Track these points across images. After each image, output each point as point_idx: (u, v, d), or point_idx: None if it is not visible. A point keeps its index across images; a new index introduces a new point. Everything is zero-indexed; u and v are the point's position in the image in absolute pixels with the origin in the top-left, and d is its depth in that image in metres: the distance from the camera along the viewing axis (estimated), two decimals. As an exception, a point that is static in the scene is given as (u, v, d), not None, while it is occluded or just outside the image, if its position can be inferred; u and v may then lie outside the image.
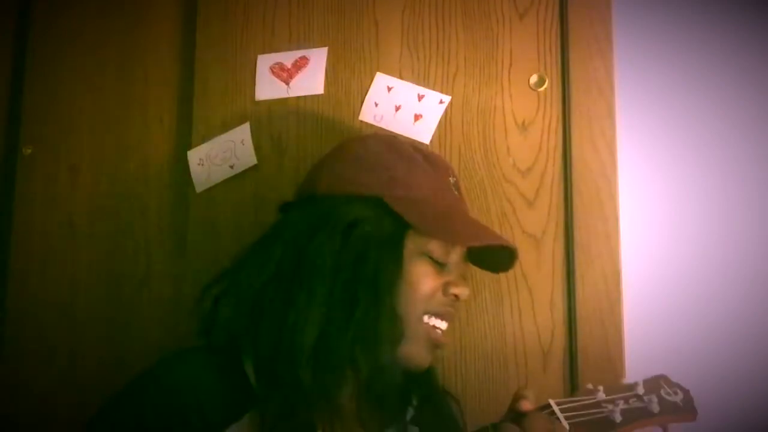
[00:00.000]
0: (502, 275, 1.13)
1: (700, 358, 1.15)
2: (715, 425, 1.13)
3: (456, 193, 0.96)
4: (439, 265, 0.89)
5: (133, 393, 0.82)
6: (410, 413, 0.94)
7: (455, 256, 0.91)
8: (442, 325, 0.89)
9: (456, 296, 0.90)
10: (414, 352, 0.87)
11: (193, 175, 1.26)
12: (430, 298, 0.88)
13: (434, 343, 0.89)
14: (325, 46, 1.24)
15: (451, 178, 0.96)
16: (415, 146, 0.98)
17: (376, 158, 0.92)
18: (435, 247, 0.89)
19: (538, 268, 1.13)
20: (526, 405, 0.76)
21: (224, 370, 0.83)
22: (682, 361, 1.12)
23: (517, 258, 0.95)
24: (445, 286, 0.89)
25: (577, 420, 0.75)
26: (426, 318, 0.88)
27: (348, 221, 0.86)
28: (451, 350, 1.12)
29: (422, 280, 0.87)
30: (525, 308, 1.13)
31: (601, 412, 0.76)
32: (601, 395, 0.78)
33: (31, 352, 1.31)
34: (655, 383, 0.81)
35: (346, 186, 0.90)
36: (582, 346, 1.10)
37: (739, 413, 1.14)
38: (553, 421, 0.75)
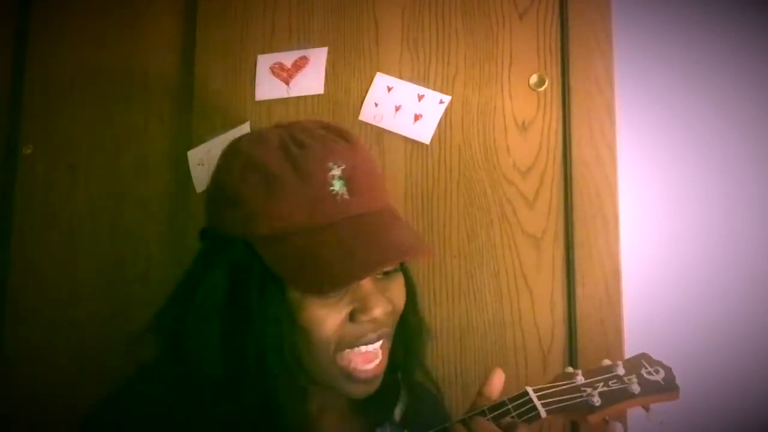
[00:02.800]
0: (502, 275, 1.13)
1: (700, 358, 1.15)
2: (716, 425, 1.13)
3: (340, 192, 0.77)
4: (334, 295, 0.76)
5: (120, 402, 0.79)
6: (398, 413, 0.89)
7: None
8: (370, 348, 0.78)
9: (371, 321, 0.77)
10: (342, 388, 0.79)
11: (193, 175, 1.25)
12: (337, 338, 0.76)
13: (363, 379, 0.78)
14: (325, 46, 1.24)
15: (332, 173, 0.77)
16: (284, 144, 0.79)
17: (236, 186, 0.79)
18: None
19: (538, 268, 1.13)
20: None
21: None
22: (682, 361, 1.12)
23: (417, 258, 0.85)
24: (352, 316, 0.76)
25: (555, 406, 0.74)
26: (346, 352, 0.77)
27: (226, 275, 0.77)
28: (452, 350, 1.13)
29: (315, 327, 0.75)
30: (525, 308, 1.13)
31: (580, 396, 0.75)
32: (580, 379, 0.77)
33: (31, 352, 1.31)
34: (635, 362, 0.80)
35: (217, 223, 0.82)
36: (582, 346, 1.10)
37: (739, 413, 1.14)
38: (511, 425, 0.72)
